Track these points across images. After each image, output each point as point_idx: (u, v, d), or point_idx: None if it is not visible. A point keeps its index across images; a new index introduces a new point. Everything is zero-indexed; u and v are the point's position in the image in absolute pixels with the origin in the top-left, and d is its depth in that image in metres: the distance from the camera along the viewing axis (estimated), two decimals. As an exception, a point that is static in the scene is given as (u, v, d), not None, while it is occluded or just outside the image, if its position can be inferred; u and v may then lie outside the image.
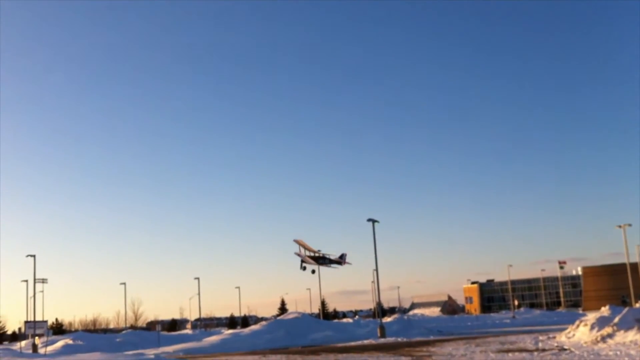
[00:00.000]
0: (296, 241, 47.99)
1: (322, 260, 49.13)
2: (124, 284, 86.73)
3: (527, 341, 31.66)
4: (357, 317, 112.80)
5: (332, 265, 50.24)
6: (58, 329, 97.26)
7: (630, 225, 67.57)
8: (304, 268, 49.20)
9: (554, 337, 32.48)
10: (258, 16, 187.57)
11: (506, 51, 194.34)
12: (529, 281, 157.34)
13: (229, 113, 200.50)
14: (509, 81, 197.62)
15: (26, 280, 61.69)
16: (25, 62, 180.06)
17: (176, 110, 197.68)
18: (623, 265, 78.02)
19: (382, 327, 50.07)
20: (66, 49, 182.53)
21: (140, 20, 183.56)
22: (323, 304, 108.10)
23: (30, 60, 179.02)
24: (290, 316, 61.17)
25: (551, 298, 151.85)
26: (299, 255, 47.91)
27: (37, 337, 53.24)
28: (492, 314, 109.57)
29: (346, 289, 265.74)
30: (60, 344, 55.34)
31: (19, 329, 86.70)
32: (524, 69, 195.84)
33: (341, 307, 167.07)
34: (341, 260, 49.90)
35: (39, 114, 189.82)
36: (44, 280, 59.48)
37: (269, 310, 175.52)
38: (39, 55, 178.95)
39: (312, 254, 48.37)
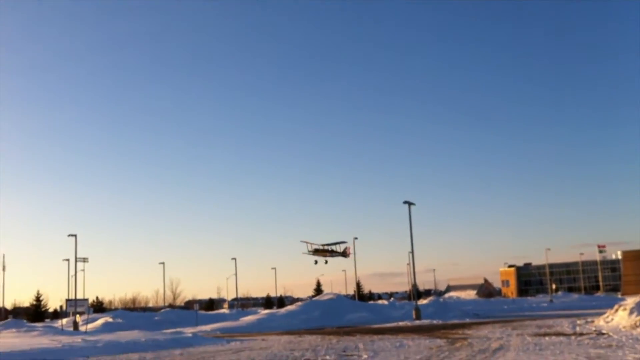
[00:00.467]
0: (303, 241, 53.75)
1: (328, 253, 53.89)
2: (163, 263, 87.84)
3: (564, 325, 31.34)
4: (392, 299, 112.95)
5: (337, 256, 55.16)
6: (98, 307, 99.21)
7: (671, 209, 66.18)
8: (316, 262, 55.14)
9: (592, 322, 32.09)
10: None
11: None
12: (567, 265, 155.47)
13: (266, 90, 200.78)
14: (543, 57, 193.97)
15: (67, 260, 62.86)
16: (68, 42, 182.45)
17: (211, 88, 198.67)
18: (664, 249, 76.57)
19: (418, 309, 50.08)
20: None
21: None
22: (358, 285, 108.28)
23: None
24: (326, 297, 61.50)
25: (590, 282, 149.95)
26: (309, 251, 53.13)
27: (78, 315, 54.38)
28: (529, 298, 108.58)
29: (381, 271, 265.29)
30: (100, 321, 56.52)
31: (60, 307, 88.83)
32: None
33: (376, 289, 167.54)
34: (345, 253, 55.20)
35: (77, 95, 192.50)
36: (84, 260, 60.51)
37: (305, 291, 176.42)
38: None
39: (319, 248, 53.24)
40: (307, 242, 52.99)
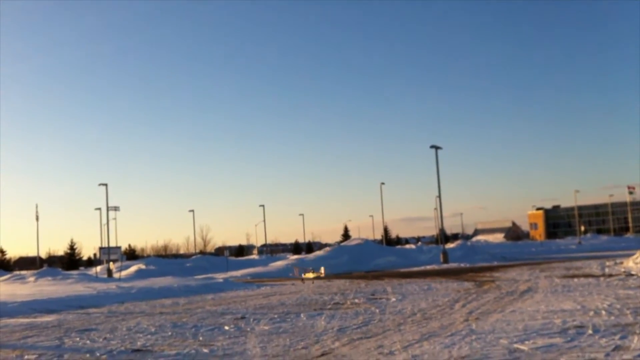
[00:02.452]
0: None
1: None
2: (193, 211, 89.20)
3: (593, 267, 31.34)
4: (419, 243, 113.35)
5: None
6: (131, 255, 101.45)
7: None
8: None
9: (621, 263, 32.02)
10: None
11: None
12: (596, 207, 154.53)
13: (277, 45, 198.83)
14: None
15: (99, 209, 64.06)
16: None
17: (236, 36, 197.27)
18: (696, 189, 75.58)
19: (445, 253, 50.37)
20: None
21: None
22: (386, 230, 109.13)
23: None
24: (354, 242, 62.05)
25: (619, 224, 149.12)
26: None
27: (111, 263, 55.60)
28: (557, 240, 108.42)
29: (409, 215, 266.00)
30: (133, 268, 57.72)
31: (94, 254, 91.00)
32: None
33: (404, 234, 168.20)
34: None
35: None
36: (116, 208, 61.58)
37: (333, 236, 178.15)
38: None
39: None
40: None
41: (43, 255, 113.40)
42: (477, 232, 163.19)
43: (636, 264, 30.14)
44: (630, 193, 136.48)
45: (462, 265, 44.47)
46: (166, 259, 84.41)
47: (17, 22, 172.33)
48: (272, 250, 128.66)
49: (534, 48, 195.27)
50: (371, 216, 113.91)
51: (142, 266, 58.59)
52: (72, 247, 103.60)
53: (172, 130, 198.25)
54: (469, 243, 76.78)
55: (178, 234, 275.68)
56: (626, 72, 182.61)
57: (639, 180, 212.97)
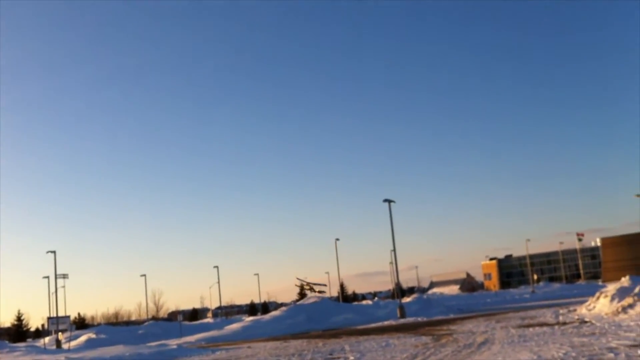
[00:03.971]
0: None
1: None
2: (144, 275, 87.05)
3: (547, 315, 31.58)
4: (376, 298, 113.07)
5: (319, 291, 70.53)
6: (81, 324, 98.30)
7: (648, 194, 67.20)
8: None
9: (575, 310, 32.37)
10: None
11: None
12: (547, 255, 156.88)
13: (232, 104, 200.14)
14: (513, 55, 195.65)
15: (47, 277, 62.13)
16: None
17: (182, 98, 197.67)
18: (641, 234, 77.60)
19: (402, 308, 50.15)
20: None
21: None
22: (342, 287, 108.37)
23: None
24: (310, 300, 61.36)
25: (570, 271, 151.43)
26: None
27: (60, 333, 53.75)
28: (511, 290, 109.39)
29: (365, 270, 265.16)
30: (83, 338, 55.90)
31: (42, 325, 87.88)
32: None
33: (360, 290, 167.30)
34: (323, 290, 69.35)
35: (47, 114, 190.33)
36: (65, 276, 59.78)
37: (289, 295, 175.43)
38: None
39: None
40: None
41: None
42: (432, 284, 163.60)
43: (589, 310, 30.51)
44: (580, 240, 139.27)
45: (419, 319, 44.29)
46: (117, 327, 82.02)
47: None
48: (227, 312, 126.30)
49: (485, 101, 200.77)
50: (327, 273, 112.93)
51: (92, 335, 56.80)
52: (19, 318, 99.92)
53: (121, 193, 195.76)
54: (425, 296, 76.76)
55: (129, 300, 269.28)
56: (569, 123, 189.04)
57: (587, 227, 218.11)
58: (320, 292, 66.27)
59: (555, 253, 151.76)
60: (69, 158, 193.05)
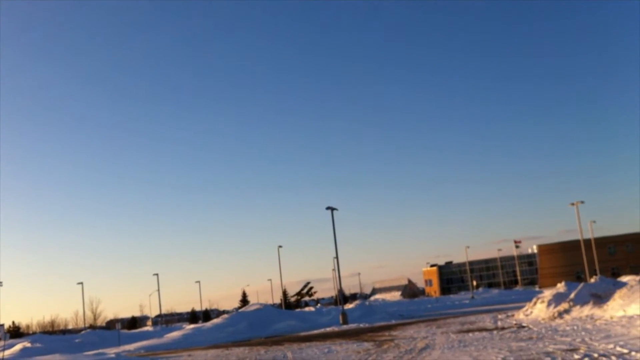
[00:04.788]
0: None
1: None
2: (81, 283, 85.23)
3: (486, 320, 32.15)
4: (319, 305, 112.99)
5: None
6: (15, 333, 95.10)
7: (583, 202, 69.32)
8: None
9: (513, 315, 33.06)
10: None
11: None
12: (486, 261, 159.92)
13: (186, 113, 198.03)
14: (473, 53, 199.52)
15: (-21, 285, 60.06)
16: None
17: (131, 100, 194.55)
18: (577, 242, 79.81)
19: (344, 314, 50.31)
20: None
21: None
22: (285, 294, 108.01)
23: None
24: (252, 308, 60.95)
25: (508, 277, 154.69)
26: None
27: (-7, 342, 51.96)
28: (451, 296, 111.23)
29: (308, 277, 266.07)
30: (18, 347, 54.13)
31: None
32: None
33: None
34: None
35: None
36: (-3, 284, 58.01)
37: (231, 303, 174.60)
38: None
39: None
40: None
41: None
42: (375, 291, 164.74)
43: (526, 315, 31.21)
44: (517, 247, 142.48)
45: (362, 325, 44.48)
46: (53, 336, 79.72)
47: None
48: (168, 320, 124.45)
49: (422, 108, 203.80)
50: (270, 280, 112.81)
51: (27, 344, 55.03)
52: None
53: (55, 198, 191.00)
54: (367, 303, 77.26)
55: (66, 308, 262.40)
56: (505, 131, 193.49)
57: (524, 234, 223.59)
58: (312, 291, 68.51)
59: (494, 260, 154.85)
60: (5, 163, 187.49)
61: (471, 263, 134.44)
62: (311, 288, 63.92)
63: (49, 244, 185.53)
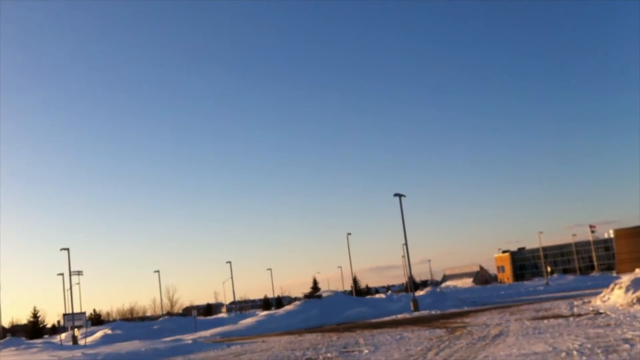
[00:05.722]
0: None
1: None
2: (158, 271, 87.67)
3: (561, 307, 31.50)
4: (389, 292, 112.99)
5: None
6: (96, 320, 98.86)
7: (661, 184, 66.77)
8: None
9: (589, 302, 32.27)
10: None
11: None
12: (560, 247, 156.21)
13: (244, 101, 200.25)
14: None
15: (62, 274, 62.58)
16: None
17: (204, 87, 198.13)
18: (656, 225, 77.06)
19: (415, 301, 50.17)
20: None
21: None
22: (355, 281, 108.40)
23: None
24: (324, 295, 61.52)
25: (584, 262, 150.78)
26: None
27: (76, 329, 54.09)
28: (525, 282, 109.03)
29: (377, 264, 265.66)
30: (99, 334, 56.25)
31: (58, 321, 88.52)
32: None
33: (373, 283, 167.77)
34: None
35: (68, 101, 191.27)
36: (79, 273, 60.16)
37: (302, 290, 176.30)
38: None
39: None
40: None
41: (6, 324, 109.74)
42: (445, 278, 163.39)
43: (603, 302, 30.42)
44: (592, 232, 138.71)
45: (433, 312, 44.29)
46: (132, 323, 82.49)
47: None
48: (241, 307, 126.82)
49: (493, 94, 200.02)
50: (339, 267, 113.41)
51: (108, 331, 57.16)
52: (35, 315, 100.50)
53: (133, 190, 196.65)
54: (438, 289, 76.74)
55: (144, 296, 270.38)
56: (585, 115, 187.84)
57: (599, 219, 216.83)
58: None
59: (569, 245, 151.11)
60: (81, 156, 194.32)
61: (545, 249, 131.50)
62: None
63: (128, 234, 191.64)
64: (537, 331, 19.38)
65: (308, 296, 79.39)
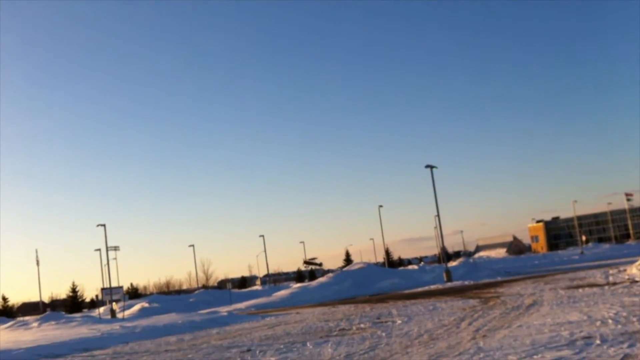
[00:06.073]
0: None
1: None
2: (193, 245, 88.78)
3: (596, 276, 31.23)
4: (422, 263, 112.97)
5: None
6: (134, 294, 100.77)
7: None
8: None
9: (625, 270, 31.89)
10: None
11: None
12: (595, 216, 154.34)
13: (275, 78, 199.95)
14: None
15: (99, 249, 63.77)
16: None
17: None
18: (694, 192, 75.55)
19: (448, 272, 50.18)
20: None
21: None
22: (387, 252, 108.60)
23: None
24: (356, 267, 61.79)
25: (620, 231, 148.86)
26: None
27: (114, 303, 55.16)
28: (559, 252, 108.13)
29: (410, 236, 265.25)
30: (137, 307, 57.31)
31: (96, 296, 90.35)
32: None
33: (405, 255, 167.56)
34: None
35: (99, 81, 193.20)
36: (116, 248, 61.26)
37: (335, 262, 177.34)
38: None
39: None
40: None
41: (46, 299, 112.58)
42: (478, 248, 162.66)
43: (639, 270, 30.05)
44: (629, 200, 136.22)
45: (466, 282, 44.29)
46: (169, 296, 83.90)
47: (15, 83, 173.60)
48: (275, 279, 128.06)
49: (527, 62, 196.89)
50: (372, 239, 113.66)
51: (145, 304, 58.19)
52: (74, 290, 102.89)
53: (167, 165, 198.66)
54: (471, 260, 76.57)
55: (180, 270, 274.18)
56: (621, 78, 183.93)
57: (636, 186, 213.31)
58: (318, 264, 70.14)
59: (604, 214, 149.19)
60: (115, 134, 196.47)
61: (579, 218, 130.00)
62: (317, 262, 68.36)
63: (163, 209, 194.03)
64: (571, 300, 19.28)
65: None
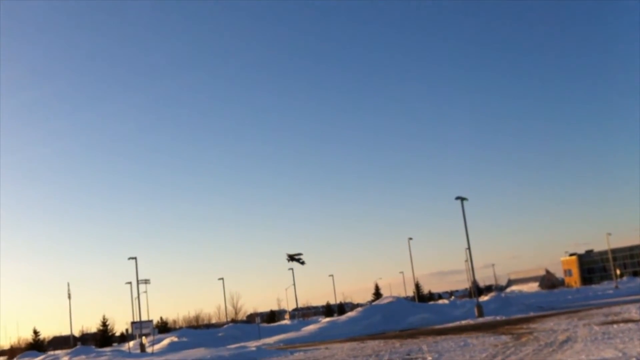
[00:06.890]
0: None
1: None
2: (222, 279, 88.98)
3: (632, 311, 30.57)
4: (452, 297, 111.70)
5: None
6: (163, 328, 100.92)
7: None
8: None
9: (661, 306, 31.25)
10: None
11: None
12: (630, 249, 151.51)
13: (299, 102, 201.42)
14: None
15: (130, 282, 64.29)
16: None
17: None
18: None
19: (480, 307, 49.46)
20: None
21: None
22: (417, 286, 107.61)
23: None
24: (385, 301, 61.25)
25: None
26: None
27: (144, 337, 55.36)
28: (593, 286, 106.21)
29: (440, 269, 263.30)
30: (166, 341, 57.42)
31: (126, 329, 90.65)
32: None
33: (436, 289, 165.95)
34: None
35: (132, 109, 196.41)
36: (146, 281, 61.90)
37: (364, 296, 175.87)
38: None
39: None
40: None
41: (76, 333, 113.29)
42: (510, 282, 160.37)
43: (677, 305, 29.35)
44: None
45: (498, 318, 43.59)
46: (198, 330, 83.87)
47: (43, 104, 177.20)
48: (304, 313, 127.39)
49: (558, 98, 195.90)
50: (401, 272, 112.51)
51: (175, 339, 58.27)
52: (104, 324, 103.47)
53: (197, 199, 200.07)
54: (503, 295, 75.47)
55: (209, 303, 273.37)
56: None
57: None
58: (300, 260, 71.48)
59: (639, 247, 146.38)
60: (146, 167, 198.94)
61: (614, 251, 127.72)
62: (301, 258, 68.97)
63: (193, 243, 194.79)
64: (606, 336, 18.89)
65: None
